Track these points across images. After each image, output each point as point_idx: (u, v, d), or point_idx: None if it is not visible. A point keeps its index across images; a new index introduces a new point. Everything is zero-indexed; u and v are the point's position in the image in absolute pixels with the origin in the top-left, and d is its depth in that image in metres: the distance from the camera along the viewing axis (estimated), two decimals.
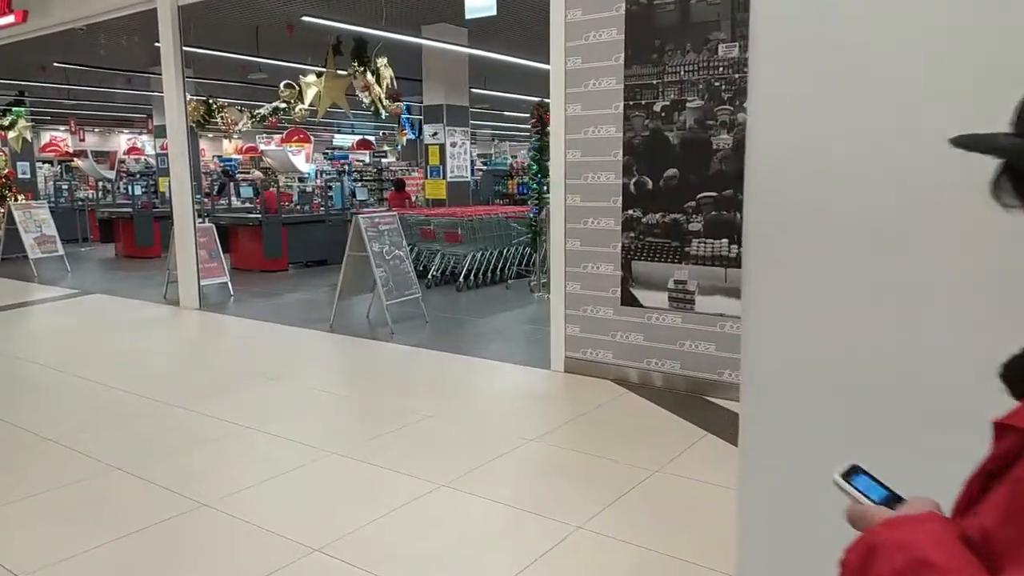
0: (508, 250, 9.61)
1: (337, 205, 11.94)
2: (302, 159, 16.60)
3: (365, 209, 10.66)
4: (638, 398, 4.56)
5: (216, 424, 4.20)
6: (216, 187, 16.18)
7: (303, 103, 10.06)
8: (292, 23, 10.85)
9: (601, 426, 4.12)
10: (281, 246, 10.82)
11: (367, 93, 8.80)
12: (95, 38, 11.77)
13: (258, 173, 16.97)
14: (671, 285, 4.62)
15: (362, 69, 8.85)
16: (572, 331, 5.12)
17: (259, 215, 10.70)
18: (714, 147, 4.37)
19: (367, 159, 23.24)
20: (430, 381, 5.19)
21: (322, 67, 9.88)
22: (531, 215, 8.45)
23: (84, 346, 6.38)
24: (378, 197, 17.78)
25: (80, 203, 15.51)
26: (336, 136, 30.06)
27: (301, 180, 18.07)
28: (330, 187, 13.37)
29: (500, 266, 9.48)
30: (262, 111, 10.66)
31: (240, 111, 10.70)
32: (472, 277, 9.04)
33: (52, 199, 15.39)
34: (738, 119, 4.27)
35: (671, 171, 4.55)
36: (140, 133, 28.36)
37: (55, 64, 12.38)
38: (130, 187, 17.41)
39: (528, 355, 5.70)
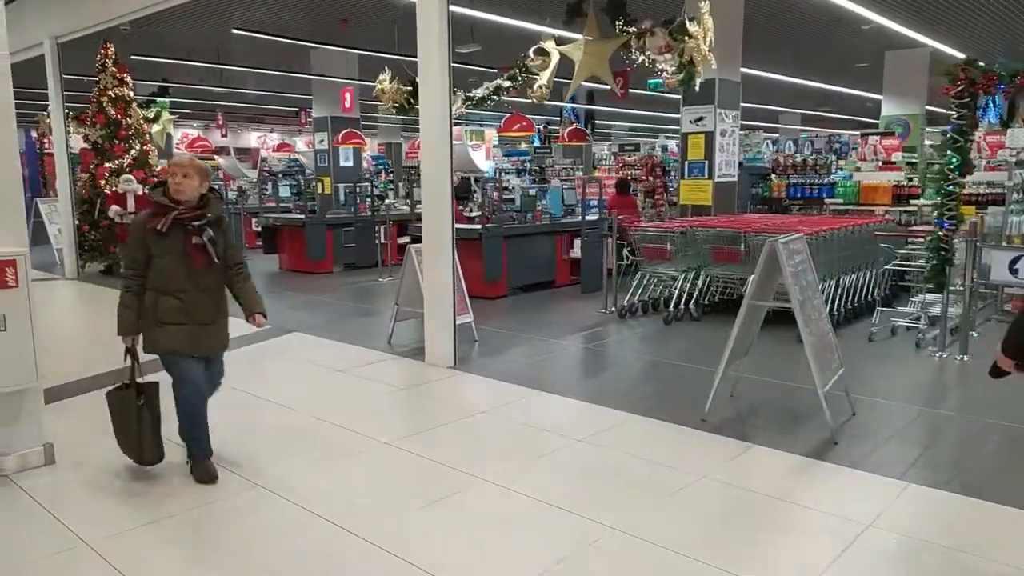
0: (839, 278, 6.80)
1: (555, 212, 9.40)
2: (482, 155, 14.20)
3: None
4: None
5: None
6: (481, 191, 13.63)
7: (541, 78, 7.52)
8: None
9: None
10: (502, 266, 8.36)
11: (670, 55, 6.16)
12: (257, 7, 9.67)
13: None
14: None
15: (662, 25, 6.23)
16: None
17: (478, 226, 8.28)
18: None
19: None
20: None
21: (556, 31, 7.36)
22: (938, 232, 5.58)
23: (325, 452, 3.99)
24: None
25: (234, 206, 13.66)
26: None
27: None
28: (516, 188, 10.90)
29: (835, 299, 6.65)
30: (480, 92, 8.17)
31: (455, 93, 8.28)
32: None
33: None
34: None
35: None
36: (271, 130, 27.04)
37: (234, 31, 10.40)
38: (278, 187, 15.59)
39: None
